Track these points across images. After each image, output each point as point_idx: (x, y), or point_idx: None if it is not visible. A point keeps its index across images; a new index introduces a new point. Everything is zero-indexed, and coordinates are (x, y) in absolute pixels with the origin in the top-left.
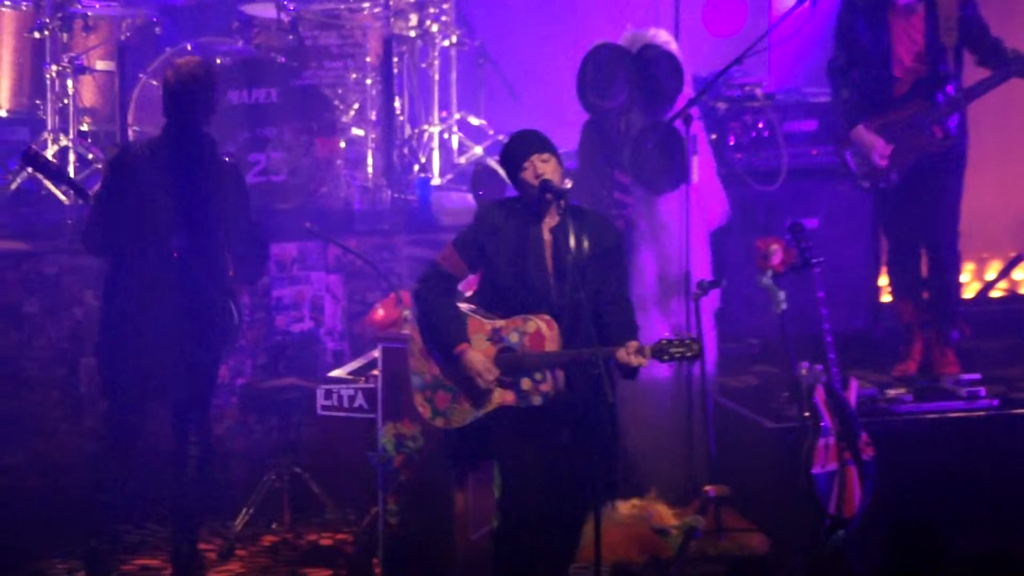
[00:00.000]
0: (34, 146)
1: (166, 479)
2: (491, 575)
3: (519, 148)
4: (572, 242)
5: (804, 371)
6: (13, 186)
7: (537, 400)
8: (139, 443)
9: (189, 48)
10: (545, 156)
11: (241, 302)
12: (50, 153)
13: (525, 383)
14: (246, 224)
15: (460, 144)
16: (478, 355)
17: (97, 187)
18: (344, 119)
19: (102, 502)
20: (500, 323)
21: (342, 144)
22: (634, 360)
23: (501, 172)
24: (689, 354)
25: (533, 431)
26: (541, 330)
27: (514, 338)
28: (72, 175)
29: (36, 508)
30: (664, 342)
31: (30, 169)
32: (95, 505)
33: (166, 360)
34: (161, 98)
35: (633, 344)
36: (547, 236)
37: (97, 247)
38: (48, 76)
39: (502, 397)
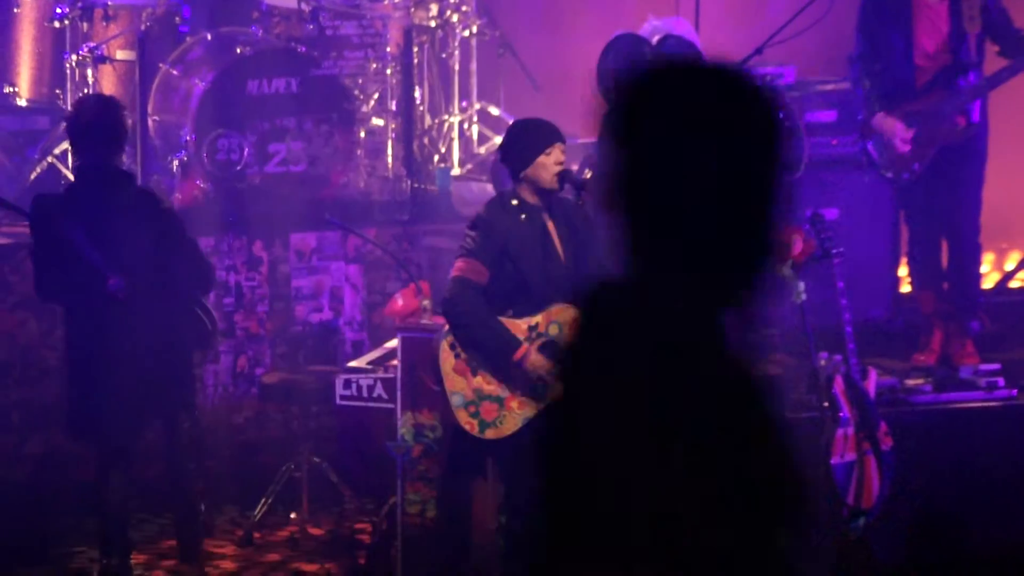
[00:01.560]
0: None
1: (165, 470)
2: (501, 571)
3: (544, 133)
4: (571, 228)
5: (823, 361)
6: (32, 175)
7: None
8: (134, 452)
9: (209, 38)
10: (564, 147)
11: (209, 305)
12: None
13: None
14: (178, 245)
15: (480, 134)
16: (539, 358)
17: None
18: (364, 109)
19: (110, 508)
20: (535, 319)
21: (362, 134)
22: None
23: None
24: None
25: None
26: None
27: (554, 330)
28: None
29: (56, 496)
30: None
31: None
32: (105, 509)
33: (139, 394)
34: (70, 138)
35: None
36: (551, 226)
37: (49, 297)
38: (68, 66)
39: (554, 392)
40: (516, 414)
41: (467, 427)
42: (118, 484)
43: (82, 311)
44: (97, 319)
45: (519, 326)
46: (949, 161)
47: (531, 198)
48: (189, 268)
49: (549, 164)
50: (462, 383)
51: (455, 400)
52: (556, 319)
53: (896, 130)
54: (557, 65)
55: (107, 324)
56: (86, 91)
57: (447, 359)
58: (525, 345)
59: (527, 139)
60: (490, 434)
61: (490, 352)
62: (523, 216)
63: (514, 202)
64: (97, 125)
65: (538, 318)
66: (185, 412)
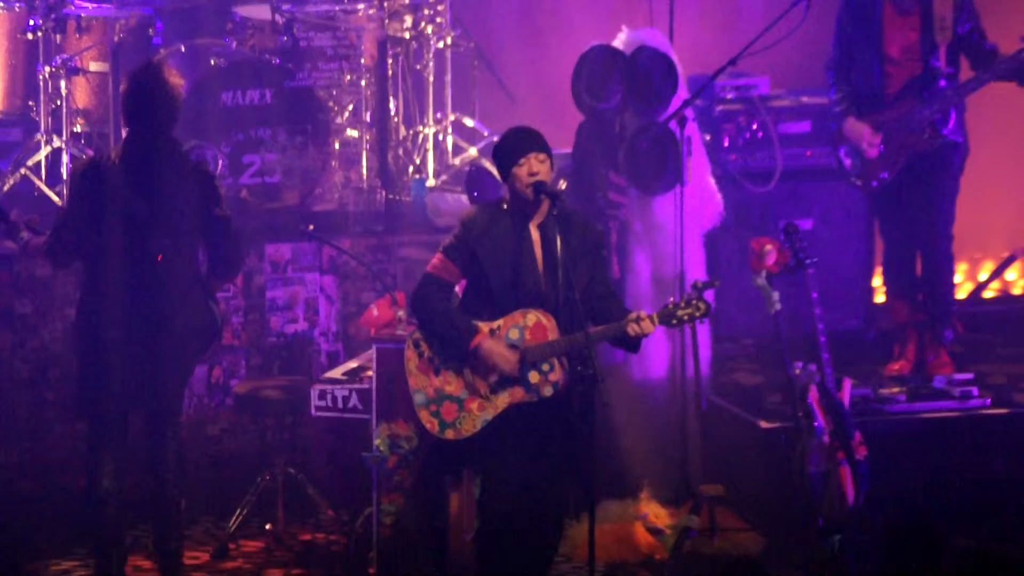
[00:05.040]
0: None
1: (145, 478)
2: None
3: (516, 144)
4: (559, 240)
5: (798, 371)
6: (6, 187)
7: (548, 391)
8: (126, 446)
9: (183, 49)
10: (542, 156)
11: (218, 301)
12: (43, 154)
13: (533, 376)
14: (220, 219)
15: (455, 145)
16: (496, 343)
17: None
18: (339, 120)
19: (106, 511)
20: (496, 324)
21: (337, 145)
22: (645, 327)
23: (495, 172)
24: (698, 314)
25: (527, 431)
26: (541, 321)
27: (514, 334)
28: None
29: (30, 509)
30: (671, 306)
31: None
32: (101, 515)
33: (151, 365)
34: (123, 106)
35: (641, 312)
36: (535, 235)
37: (63, 259)
38: (41, 77)
39: (511, 395)
40: (475, 416)
41: (427, 426)
42: (111, 485)
43: (109, 275)
44: (124, 284)
45: (481, 329)
46: (921, 171)
47: (518, 205)
48: (221, 248)
49: (521, 175)
50: (424, 381)
51: (417, 398)
52: (518, 323)
53: (864, 135)
54: (531, 76)
55: (134, 290)
56: (59, 103)
57: (411, 357)
58: (480, 335)
59: (503, 150)
60: (449, 434)
61: (447, 342)
62: (506, 221)
63: (504, 206)
64: (157, 93)
65: (500, 322)
66: (170, 418)
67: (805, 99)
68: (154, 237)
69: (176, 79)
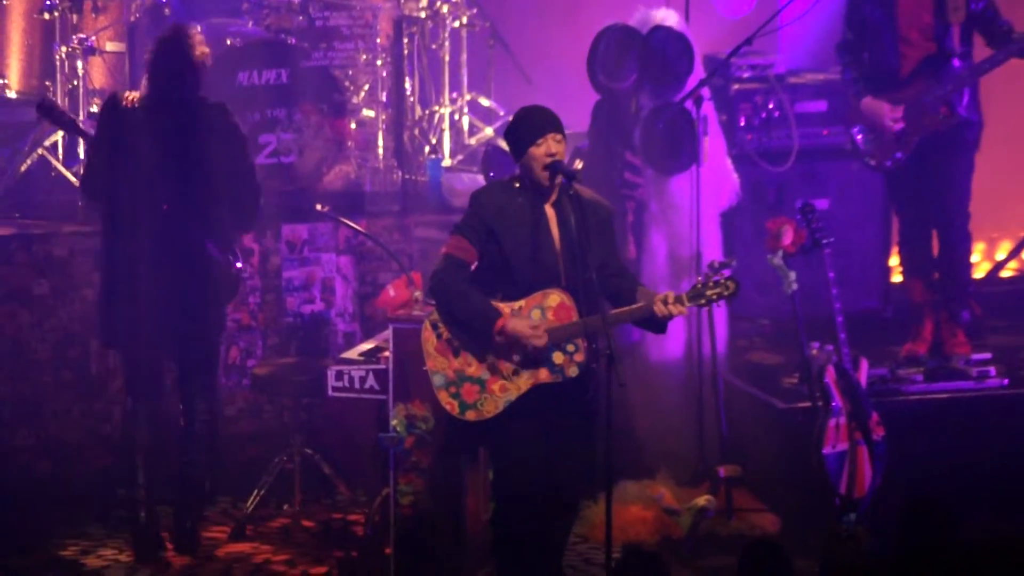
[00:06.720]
0: (49, 95)
1: (174, 454)
2: (494, 559)
3: (535, 124)
4: (574, 218)
5: (815, 351)
6: (23, 167)
7: (573, 371)
8: (161, 407)
9: (199, 29)
10: (559, 137)
11: (238, 250)
12: (60, 135)
13: (558, 357)
14: (245, 168)
15: (471, 125)
16: (520, 320)
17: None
18: (355, 100)
19: (139, 479)
20: (518, 304)
21: (352, 125)
22: (673, 309)
23: None
24: (727, 293)
25: (549, 411)
26: (564, 301)
27: (536, 315)
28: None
29: (48, 489)
30: (699, 285)
31: (47, 121)
32: (133, 482)
33: (170, 314)
34: (147, 66)
35: (669, 294)
36: (550, 213)
37: (94, 190)
38: (58, 57)
39: (535, 377)
40: (497, 397)
41: (447, 407)
42: (145, 429)
43: (125, 223)
44: (139, 232)
45: (502, 309)
46: (936, 150)
47: (531, 184)
48: (247, 197)
49: (539, 156)
50: (444, 363)
51: (436, 380)
52: (540, 303)
53: (884, 111)
54: (547, 55)
55: (147, 238)
56: (75, 83)
57: (429, 338)
58: (503, 316)
59: (520, 130)
60: (470, 415)
61: (471, 325)
62: (520, 200)
63: (516, 184)
64: (168, 60)
65: (521, 302)
66: (202, 386)
67: (822, 78)
68: (162, 186)
69: (203, 48)
